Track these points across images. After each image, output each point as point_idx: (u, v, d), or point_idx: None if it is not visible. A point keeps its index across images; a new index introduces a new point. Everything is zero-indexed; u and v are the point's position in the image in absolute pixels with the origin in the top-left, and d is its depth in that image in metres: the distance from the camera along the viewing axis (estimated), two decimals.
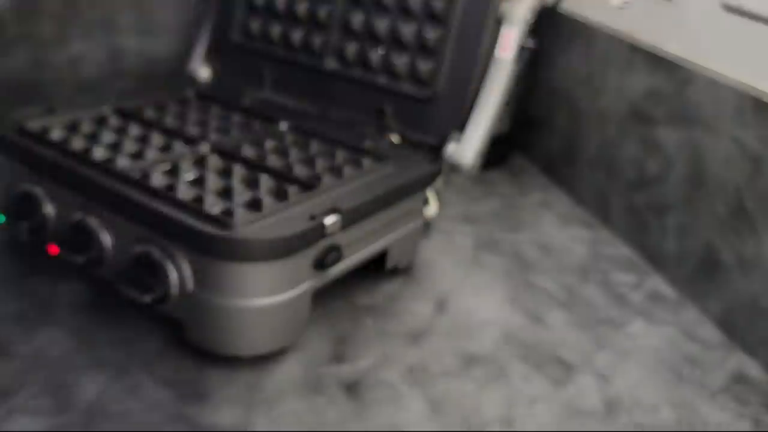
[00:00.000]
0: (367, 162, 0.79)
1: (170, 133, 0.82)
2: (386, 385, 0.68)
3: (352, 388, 0.67)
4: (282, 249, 0.63)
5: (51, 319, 0.72)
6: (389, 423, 0.63)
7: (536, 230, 1.01)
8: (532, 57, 0.98)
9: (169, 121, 0.86)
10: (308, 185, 0.71)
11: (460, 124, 0.84)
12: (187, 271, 0.65)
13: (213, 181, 0.71)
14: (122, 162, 0.73)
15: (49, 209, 0.75)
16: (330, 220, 0.66)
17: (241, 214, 0.64)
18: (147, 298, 0.65)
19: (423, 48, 0.86)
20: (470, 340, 0.75)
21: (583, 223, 1.04)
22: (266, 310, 0.65)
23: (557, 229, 1.01)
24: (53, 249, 0.72)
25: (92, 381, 0.64)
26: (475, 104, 0.84)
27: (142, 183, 0.68)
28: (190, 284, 0.65)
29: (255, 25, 1.00)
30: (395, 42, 0.88)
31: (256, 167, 0.76)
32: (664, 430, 0.65)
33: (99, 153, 0.74)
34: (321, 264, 0.68)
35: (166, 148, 0.78)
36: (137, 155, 0.75)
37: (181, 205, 0.65)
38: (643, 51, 0.93)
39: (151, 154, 0.76)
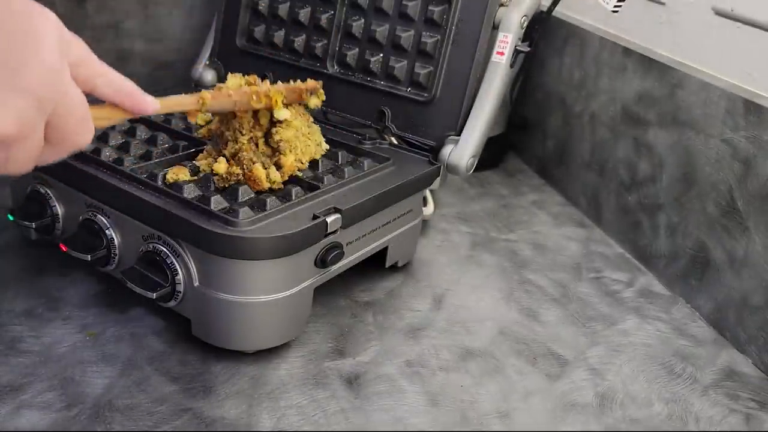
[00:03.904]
0: (367, 163, 0.80)
1: (176, 135, 0.83)
2: (386, 379, 0.69)
3: (353, 382, 0.68)
4: (285, 247, 0.65)
5: (60, 315, 0.73)
6: (389, 416, 0.64)
7: (530, 229, 1.01)
8: (527, 61, 0.99)
9: (176, 123, 0.87)
10: (311, 185, 0.73)
11: (456, 126, 0.85)
12: (193, 268, 0.66)
13: (219, 181, 0.73)
14: (130, 162, 0.74)
15: (58, 209, 0.76)
16: (331, 219, 0.67)
17: (245, 213, 0.65)
18: (154, 295, 0.67)
19: (421, 53, 0.87)
20: (467, 336, 0.76)
21: (576, 223, 1.05)
22: (270, 306, 0.67)
23: (551, 228, 1.02)
24: (63, 247, 0.73)
25: (100, 376, 0.65)
26: (471, 107, 0.85)
27: (149, 183, 0.69)
28: (195, 281, 0.67)
29: (259, 31, 1.01)
30: (394, 47, 0.89)
31: None
32: (656, 425, 0.66)
33: (107, 154, 0.75)
34: (323, 262, 0.69)
35: (172, 150, 0.79)
36: (144, 156, 0.77)
37: (187, 204, 0.66)
38: (635, 54, 0.94)
39: (158, 155, 0.77)
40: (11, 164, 0.45)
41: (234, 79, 0.73)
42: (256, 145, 0.73)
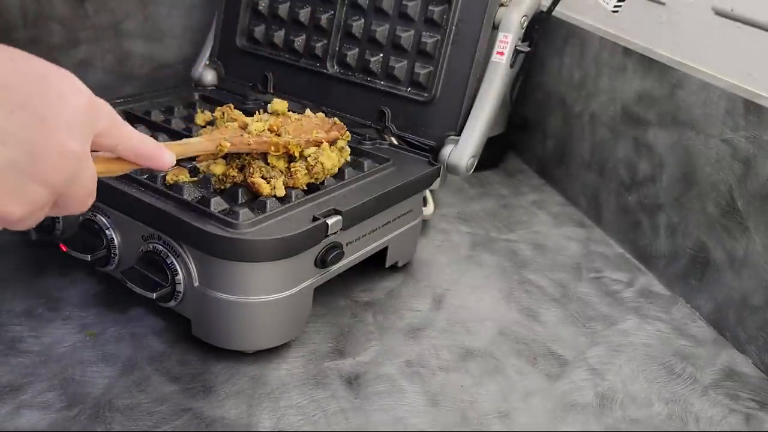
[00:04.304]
0: (367, 163, 0.80)
1: (177, 135, 0.83)
2: (386, 379, 0.69)
3: (353, 382, 0.68)
4: (285, 249, 0.65)
5: (60, 315, 0.73)
6: (389, 416, 0.64)
7: (531, 229, 1.01)
8: (527, 61, 0.99)
9: (176, 123, 0.88)
10: (311, 186, 0.73)
11: (457, 126, 0.85)
12: (193, 268, 0.66)
13: (216, 183, 0.73)
14: None
15: None
16: (332, 221, 0.67)
17: (245, 215, 0.65)
18: (154, 295, 0.67)
19: (421, 53, 0.87)
20: (467, 336, 0.76)
21: (576, 223, 1.05)
22: (270, 306, 0.67)
23: (551, 228, 1.02)
24: (63, 247, 0.73)
25: (100, 376, 0.65)
26: (471, 107, 0.85)
27: (149, 184, 0.69)
28: (195, 281, 0.67)
29: (259, 31, 1.01)
30: (394, 47, 0.90)
31: None
32: (656, 425, 0.66)
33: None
34: (323, 262, 0.69)
35: None
36: None
37: (187, 205, 0.66)
38: (635, 54, 0.94)
39: None
40: (12, 227, 0.44)
41: (258, 124, 0.72)
42: (266, 160, 0.72)
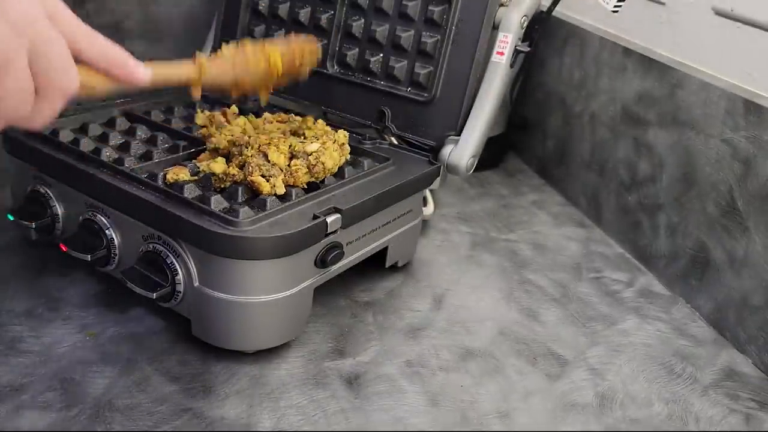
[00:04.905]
0: (367, 163, 0.80)
1: (177, 135, 0.83)
2: (386, 379, 0.69)
3: (353, 382, 0.68)
4: (285, 247, 0.65)
5: (60, 315, 0.73)
6: (389, 416, 0.64)
7: (530, 229, 1.01)
8: (527, 61, 0.99)
9: (176, 123, 0.88)
10: (311, 185, 0.73)
11: (457, 126, 0.85)
12: (193, 268, 0.66)
13: (216, 181, 0.73)
14: (130, 162, 0.74)
15: (58, 209, 0.76)
16: (331, 219, 0.67)
17: (246, 213, 0.65)
18: (154, 295, 0.67)
19: (421, 53, 0.87)
20: (467, 336, 0.76)
21: (576, 223, 1.05)
22: (270, 306, 0.67)
23: (551, 228, 1.02)
24: (63, 247, 0.73)
25: (100, 376, 0.65)
26: (471, 107, 0.85)
27: (149, 183, 0.69)
28: (195, 281, 0.67)
29: (259, 31, 1.01)
30: (394, 47, 0.90)
31: None
32: (656, 425, 0.66)
33: (107, 154, 0.75)
34: (323, 262, 0.69)
35: (172, 150, 0.79)
36: (144, 156, 0.77)
37: (187, 204, 0.66)
38: (635, 54, 0.94)
39: (158, 155, 0.77)
40: (7, 103, 0.43)
41: (229, 48, 0.72)
42: (266, 157, 0.72)
